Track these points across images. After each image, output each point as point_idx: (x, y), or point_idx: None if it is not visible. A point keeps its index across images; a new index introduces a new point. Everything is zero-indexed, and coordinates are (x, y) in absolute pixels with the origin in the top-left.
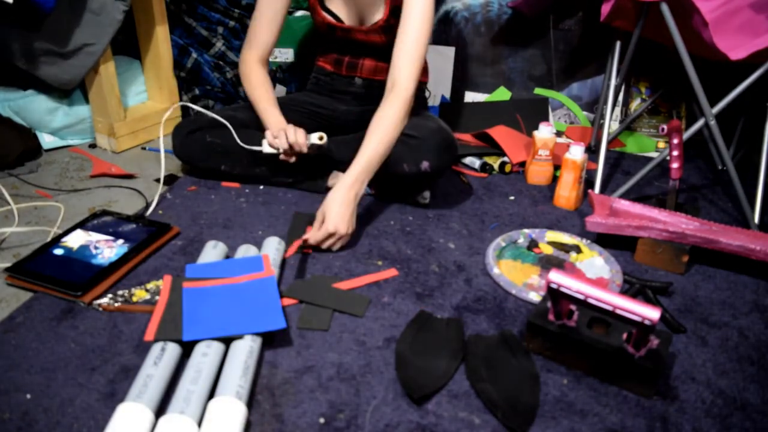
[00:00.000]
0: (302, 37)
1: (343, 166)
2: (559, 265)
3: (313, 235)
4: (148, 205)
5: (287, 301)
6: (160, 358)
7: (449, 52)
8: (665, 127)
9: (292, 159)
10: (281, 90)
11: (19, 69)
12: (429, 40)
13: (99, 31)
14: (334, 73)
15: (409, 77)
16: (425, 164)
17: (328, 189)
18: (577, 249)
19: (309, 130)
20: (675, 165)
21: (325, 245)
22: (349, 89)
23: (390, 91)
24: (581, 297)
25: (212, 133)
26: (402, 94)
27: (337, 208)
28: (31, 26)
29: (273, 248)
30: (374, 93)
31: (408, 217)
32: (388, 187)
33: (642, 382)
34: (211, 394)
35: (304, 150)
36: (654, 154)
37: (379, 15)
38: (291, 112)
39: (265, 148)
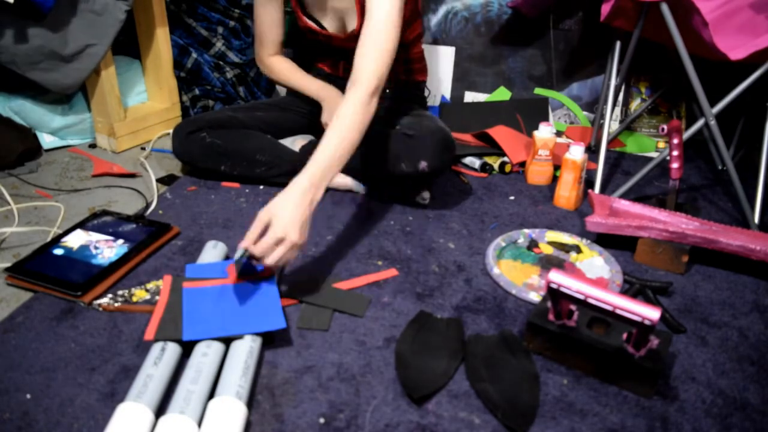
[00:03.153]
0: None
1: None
2: (559, 265)
3: (258, 244)
4: (148, 205)
5: (287, 301)
6: (160, 358)
7: (449, 52)
8: (665, 127)
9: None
10: (281, 91)
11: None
12: (397, 33)
13: (101, 32)
14: (332, 75)
15: (370, 73)
16: (423, 164)
17: (327, 189)
18: (577, 249)
19: (309, 131)
20: (675, 165)
21: (271, 258)
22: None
23: (349, 89)
24: (581, 297)
25: (212, 134)
26: (360, 91)
27: (289, 211)
28: (32, 18)
29: None
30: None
31: (408, 217)
32: (387, 186)
33: (642, 382)
34: (211, 394)
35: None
36: (654, 154)
37: (354, 23)
38: (291, 113)
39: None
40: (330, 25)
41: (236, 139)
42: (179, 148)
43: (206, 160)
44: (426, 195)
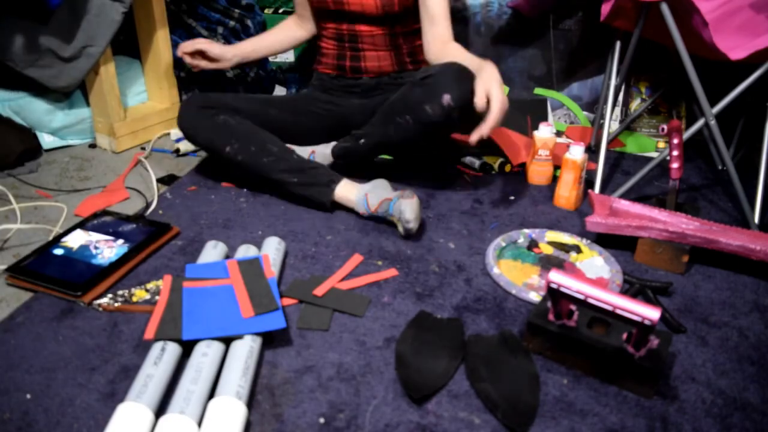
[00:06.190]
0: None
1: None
2: (559, 265)
3: (490, 122)
4: (148, 205)
5: (287, 301)
6: (160, 358)
7: None
8: (665, 127)
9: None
10: (281, 91)
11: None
12: None
13: (98, 33)
14: (340, 76)
15: (452, 34)
16: (446, 97)
17: (333, 204)
18: (577, 249)
19: (324, 130)
20: (675, 165)
21: (495, 120)
22: (357, 83)
23: (447, 44)
24: (581, 297)
25: (229, 115)
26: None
27: (499, 86)
28: (39, 19)
29: (273, 248)
30: (384, 82)
31: None
32: (420, 149)
33: (642, 382)
34: (211, 394)
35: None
36: (654, 154)
37: None
38: (304, 115)
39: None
40: None
41: (248, 124)
42: (188, 120)
43: (214, 138)
44: (410, 216)
